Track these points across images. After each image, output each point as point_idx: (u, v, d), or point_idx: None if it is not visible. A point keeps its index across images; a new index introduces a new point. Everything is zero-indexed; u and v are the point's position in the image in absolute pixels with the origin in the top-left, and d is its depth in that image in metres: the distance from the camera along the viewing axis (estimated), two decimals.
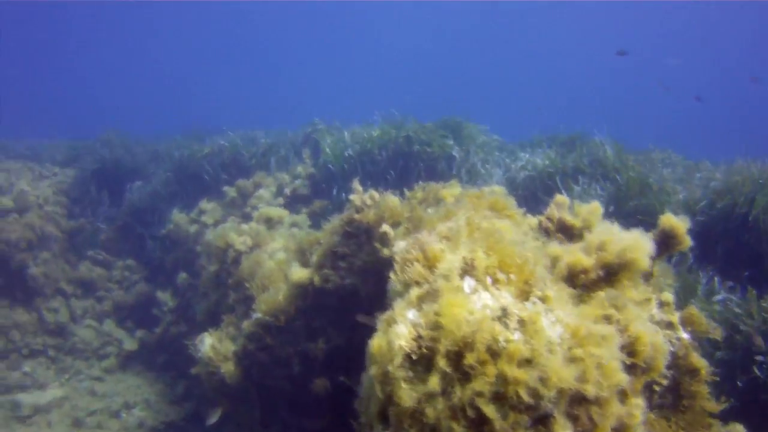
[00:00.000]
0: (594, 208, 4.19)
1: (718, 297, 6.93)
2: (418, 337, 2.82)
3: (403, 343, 2.79)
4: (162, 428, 10.79)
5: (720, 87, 64.79)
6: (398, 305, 3.06)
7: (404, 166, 10.76)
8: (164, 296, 12.88)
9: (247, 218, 11.53)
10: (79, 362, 12.57)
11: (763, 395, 5.77)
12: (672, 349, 3.78)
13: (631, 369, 3.19)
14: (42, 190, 14.74)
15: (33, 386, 11.69)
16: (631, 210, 8.01)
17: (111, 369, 12.51)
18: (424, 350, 2.78)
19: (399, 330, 2.84)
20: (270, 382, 7.44)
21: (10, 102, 60.86)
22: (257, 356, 7.41)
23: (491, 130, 12.41)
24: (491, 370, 2.65)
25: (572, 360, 2.81)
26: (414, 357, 2.79)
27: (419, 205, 5.93)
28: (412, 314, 2.92)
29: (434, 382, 2.65)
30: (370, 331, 6.18)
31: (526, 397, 2.56)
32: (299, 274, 7.01)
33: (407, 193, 6.41)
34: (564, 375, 2.67)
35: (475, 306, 2.84)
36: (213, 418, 8.20)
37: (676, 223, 3.93)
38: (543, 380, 2.63)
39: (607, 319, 3.28)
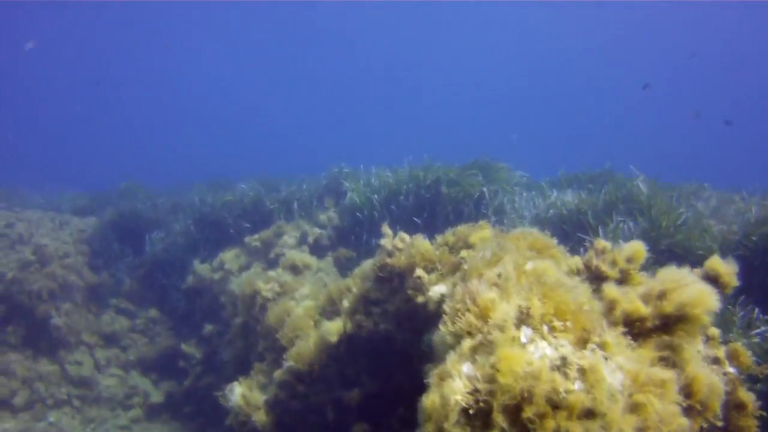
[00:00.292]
0: (636, 251, 4.08)
1: (757, 330, 6.78)
2: (475, 391, 2.74)
3: (459, 397, 2.71)
4: None
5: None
6: (451, 358, 2.99)
7: (431, 210, 10.67)
8: (190, 349, 12.78)
9: (271, 264, 11.47)
10: (105, 411, 12.48)
11: None
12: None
13: (687, 411, 3.14)
14: (63, 239, 14.79)
15: None
16: (665, 247, 7.88)
17: (137, 419, 12.40)
18: (481, 404, 2.70)
19: (454, 385, 2.76)
20: (303, 430, 7.33)
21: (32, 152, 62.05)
22: (289, 404, 7.33)
23: (514, 167, 12.31)
24: (551, 423, 2.57)
25: (633, 407, 2.74)
26: (471, 412, 2.70)
27: (450, 250, 5.85)
28: (467, 367, 2.84)
29: None
30: (406, 377, 6.07)
31: None
32: (331, 327, 6.97)
33: (437, 238, 6.32)
34: (626, 426, 2.59)
35: (533, 356, 2.76)
36: None
37: (723, 269, 3.88)
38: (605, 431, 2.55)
39: (664, 360, 3.22)
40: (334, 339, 6.88)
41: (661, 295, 3.37)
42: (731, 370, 3.89)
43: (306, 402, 7.17)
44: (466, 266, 4.68)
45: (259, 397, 7.91)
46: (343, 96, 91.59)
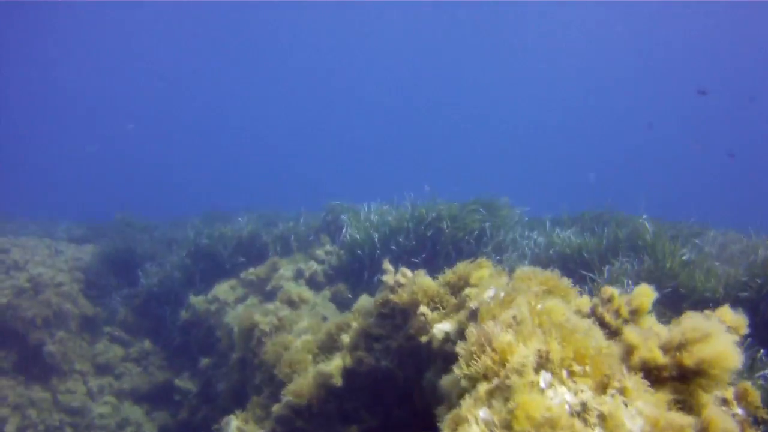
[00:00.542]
0: (642, 303, 4.00)
1: (761, 373, 6.71)
2: None
3: None
4: None
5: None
6: (466, 403, 2.91)
7: (432, 248, 10.60)
8: (185, 384, 12.61)
9: (268, 297, 11.37)
10: None
11: None
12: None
13: None
14: (58, 267, 14.66)
15: None
16: (670, 288, 7.83)
17: None
18: None
19: (471, 431, 2.68)
20: None
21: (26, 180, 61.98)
22: None
23: (513, 203, 12.28)
24: None
25: None
26: None
27: (451, 289, 5.77)
28: (483, 413, 2.76)
29: None
30: (406, 414, 5.96)
31: None
32: (331, 362, 6.90)
33: (439, 277, 6.23)
34: None
35: (553, 402, 2.69)
36: None
37: (735, 321, 3.86)
38: None
39: (680, 403, 3.16)
40: (334, 374, 6.78)
41: (682, 346, 3.25)
42: (739, 411, 3.84)
43: None
44: (471, 304, 4.62)
45: (256, 431, 7.78)
46: (353, 128, 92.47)
